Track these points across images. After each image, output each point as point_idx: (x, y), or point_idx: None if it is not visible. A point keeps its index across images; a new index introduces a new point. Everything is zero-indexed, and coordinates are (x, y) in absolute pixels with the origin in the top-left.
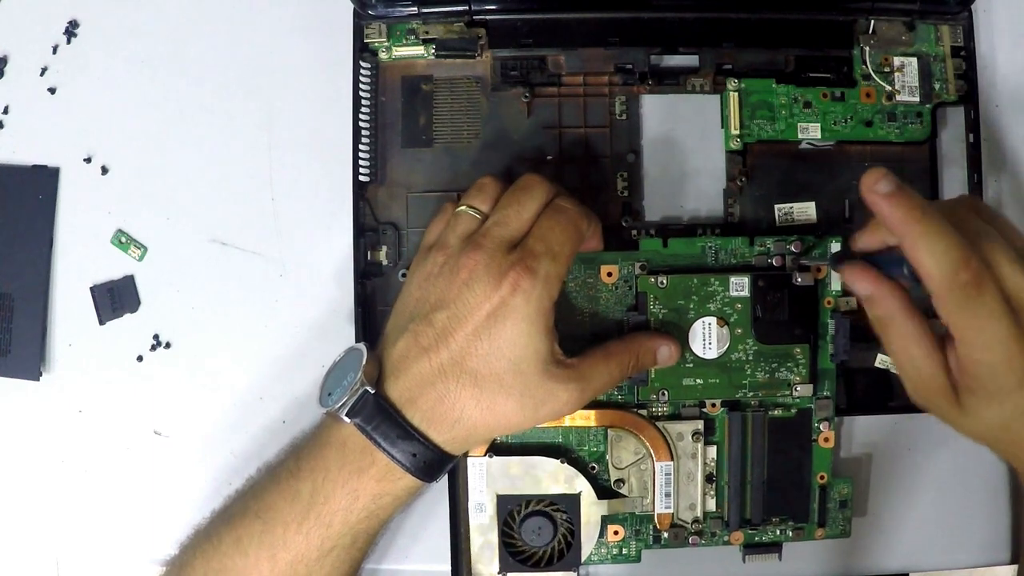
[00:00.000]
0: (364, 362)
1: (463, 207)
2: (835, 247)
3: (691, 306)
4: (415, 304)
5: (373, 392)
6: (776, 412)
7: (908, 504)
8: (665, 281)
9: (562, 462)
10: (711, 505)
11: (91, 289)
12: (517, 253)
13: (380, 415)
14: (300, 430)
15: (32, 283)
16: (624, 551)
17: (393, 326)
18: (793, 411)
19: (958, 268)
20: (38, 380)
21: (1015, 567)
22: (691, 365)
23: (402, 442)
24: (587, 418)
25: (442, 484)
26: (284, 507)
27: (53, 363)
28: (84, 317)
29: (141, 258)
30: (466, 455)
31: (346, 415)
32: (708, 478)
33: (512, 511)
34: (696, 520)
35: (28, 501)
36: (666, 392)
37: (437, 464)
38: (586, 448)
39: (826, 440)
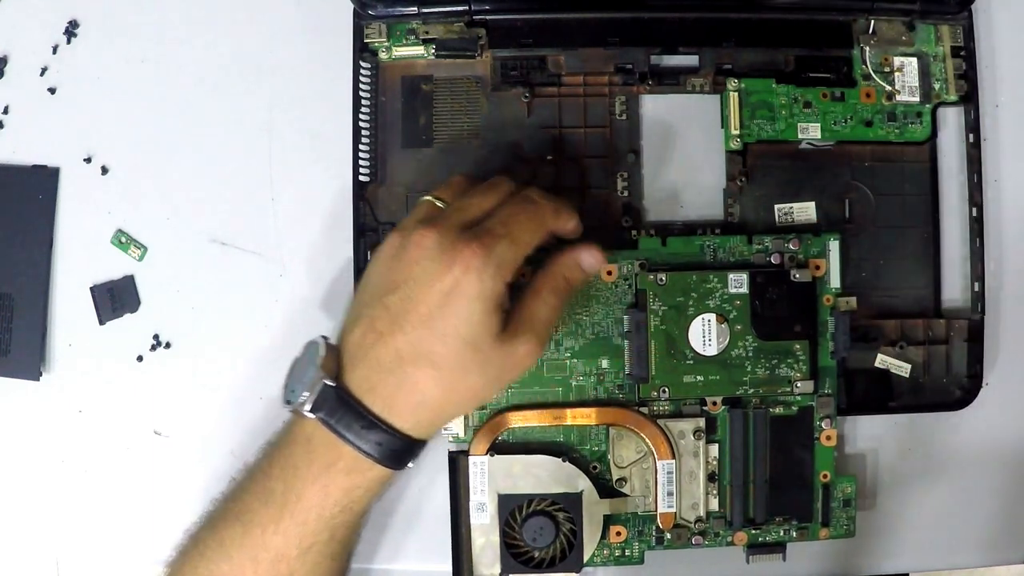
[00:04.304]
0: (322, 355)
1: (427, 197)
2: (833, 245)
3: (690, 303)
4: (371, 289)
5: (333, 385)
6: (777, 410)
7: (908, 504)
8: (664, 278)
9: (563, 461)
10: (714, 505)
11: (91, 289)
12: (473, 231)
13: (342, 408)
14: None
15: (32, 283)
16: (627, 552)
17: (351, 314)
18: (794, 409)
19: None
20: (38, 380)
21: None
22: (691, 362)
23: (366, 432)
24: (588, 416)
25: (443, 482)
26: (260, 508)
27: (53, 363)
28: (84, 317)
29: (141, 258)
30: (466, 456)
31: (309, 411)
32: (711, 477)
33: (513, 511)
34: (699, 520)
35: (28, 501)
36: (667, 389)
37: (405, 451)
38: (587, 447)
39: (828, 438)
